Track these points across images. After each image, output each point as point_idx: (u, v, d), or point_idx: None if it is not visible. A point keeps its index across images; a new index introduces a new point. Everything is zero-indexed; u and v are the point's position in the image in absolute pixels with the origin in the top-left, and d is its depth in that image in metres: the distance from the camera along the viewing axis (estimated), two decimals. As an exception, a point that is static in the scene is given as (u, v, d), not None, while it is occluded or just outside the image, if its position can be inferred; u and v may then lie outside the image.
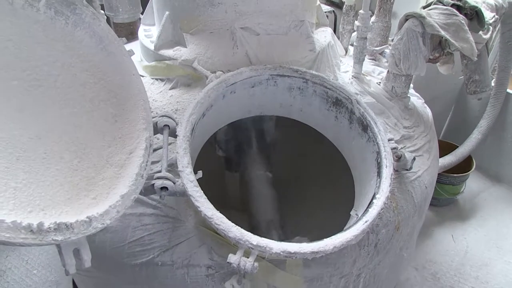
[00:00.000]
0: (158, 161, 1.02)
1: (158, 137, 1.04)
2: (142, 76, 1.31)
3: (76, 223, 0.65)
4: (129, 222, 0.99)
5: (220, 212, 0.86)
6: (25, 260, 1.95)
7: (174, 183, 0.87)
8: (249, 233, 0.81)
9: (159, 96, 1.22)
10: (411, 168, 1.14)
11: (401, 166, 1.12)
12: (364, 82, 1.40)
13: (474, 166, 2.17)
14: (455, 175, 2.11)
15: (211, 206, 0.83)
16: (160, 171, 0.90)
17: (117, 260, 1.00)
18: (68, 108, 0.83)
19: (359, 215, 0.94)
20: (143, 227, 0.98)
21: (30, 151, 0.71)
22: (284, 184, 1.94)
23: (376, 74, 1.54)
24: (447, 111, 2.59)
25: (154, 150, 1.05)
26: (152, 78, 1.28)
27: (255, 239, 0.80)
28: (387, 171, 0.96)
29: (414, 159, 1.13)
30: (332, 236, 0.84)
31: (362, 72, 1.43)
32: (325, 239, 0.84)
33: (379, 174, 0.98)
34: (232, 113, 1.19)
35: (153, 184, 0.87)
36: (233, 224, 0.81)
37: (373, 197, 0.93)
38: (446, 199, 2.21)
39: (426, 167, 1.27)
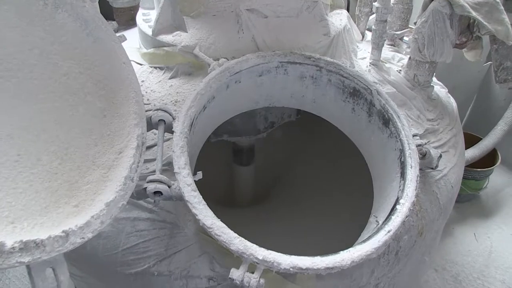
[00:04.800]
0: (154, 159, 0.92)
1: (156, 132, 0.94)
2: (141, 65, 1.21)
3: (49, 240, 0.55)
4: (123, 227, 0.90)
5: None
6: (26, 256, 1.89)
7: (169, 186, 0.77)
8: (254, 246, 0.70)
9: (157, 86, 1.11)
10: (437, 166, 1.02)
11: (425, 164, 1.00)
12: (383, 70, 1.28)
13: (499, 160, 2.03)
14: (478, 169, 1.97)
15: (210, 213, 0.73)
16: (154, 172, 0.80)
17: (111, 268, 0.91)
18: (48, 102, 0.73)
19: (380, 223, 0.83)
20: (138, 233, 0.89)
21: (0, 154, 0.62)
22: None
23: (395, 61, 1.42)
24: (468, 101, 2.43)
25: (151, 146, 0.96)
26: (151, 67, 1.18)
27: (261, 253, 0.69)
28: (413, 172, 0.85)
29: (440, 156, 1.01)
30: (350, 249, 0.74)
31: (381, 59, 1.31)
32: (341, 252, 0.73)
33: (402, 175, 0.87)
34: (238, 105, 1.08)
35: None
36: (236, 235, 0.71)
37: (396, 202, 0.82)
38: (467, 195, 2.07)
39: (452, 164, 1.15)
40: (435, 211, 1.05)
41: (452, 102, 1.40)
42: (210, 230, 0.71)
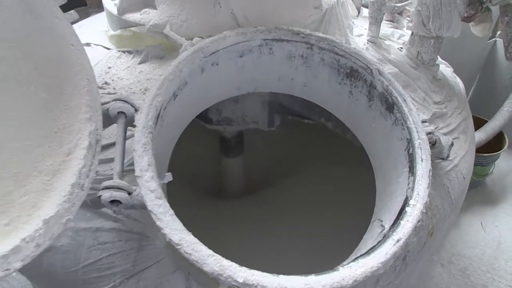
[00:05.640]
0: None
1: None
2: (108, 49, 1.06)
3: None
4: (83, 240, 0.76)
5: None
6: (2, 262, 1.76)
7: (130, 193, 0.63)
8: (233, 265, 0.57)
9: (126, 72, 0.97)
10: (448, 156, 0.89)
11: (435, 154, 0.87)
12: (383, 48, 1.14)
13: (506, 144, 1.90)
14: (485, 154, 1.85)
15: (179, 226, 0.59)
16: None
17: (71, 287, 0.78)
18: (-27, 94, 0.59)
19: (386, 228, 0.70)
20: (101, 247, 0.76)
21: None
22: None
23: (396, 38, 1.28)
24: (471, 81, 2.29)
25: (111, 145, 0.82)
26: (119, 51, 1.03)
27: (241, 275, 0.56)
28: (424, 167, 0.71)
29: (452, 144, 0.88)
30: (351, 264, 0.60)
31: (379, 36, 1.16)
32: (340, 269, 0.60)
33: (411, 170, 0.73)
34: (217, 91, 0.93)
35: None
36: (211, 252, 0.58)
37: (406, 203, 0.69)
38: (473, 181, 1.94)
39: (464, 152, 1.02)
40: (446, 207, 0.92)
41: (459, 82, 1.27)
42: (179, 247, 0.58)
